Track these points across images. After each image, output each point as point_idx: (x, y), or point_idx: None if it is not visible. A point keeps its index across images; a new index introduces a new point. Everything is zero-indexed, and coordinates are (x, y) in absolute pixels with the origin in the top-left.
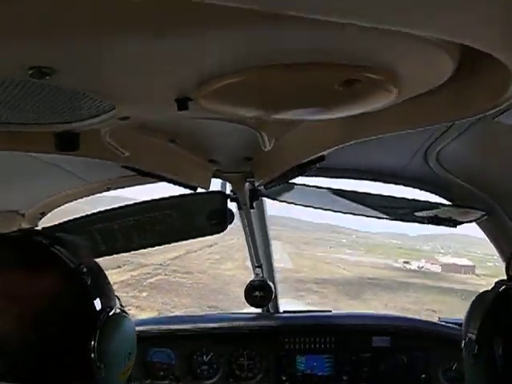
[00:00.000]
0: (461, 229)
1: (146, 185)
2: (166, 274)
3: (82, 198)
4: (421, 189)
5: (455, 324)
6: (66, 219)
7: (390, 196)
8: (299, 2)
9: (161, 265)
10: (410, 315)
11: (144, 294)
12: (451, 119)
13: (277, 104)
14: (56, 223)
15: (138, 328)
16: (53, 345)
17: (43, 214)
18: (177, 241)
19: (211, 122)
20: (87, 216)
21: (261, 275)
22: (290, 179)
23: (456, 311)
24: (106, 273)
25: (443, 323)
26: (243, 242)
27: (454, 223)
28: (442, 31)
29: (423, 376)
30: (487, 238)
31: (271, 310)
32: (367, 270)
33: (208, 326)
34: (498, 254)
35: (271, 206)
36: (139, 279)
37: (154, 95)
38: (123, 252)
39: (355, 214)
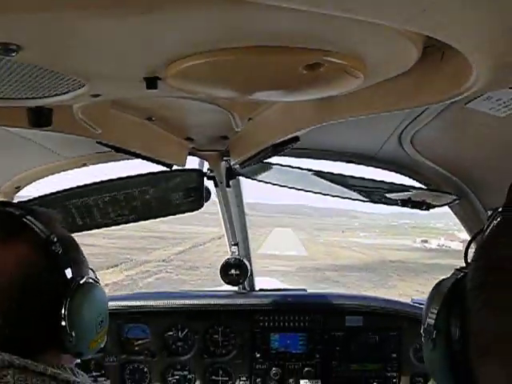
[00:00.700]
0: None
1: (122, 161)
2: (167, 271)
3: (58, 173)
4: (396, 172)
5: None
6: (41, 194)
7: (369, 179)
8: None
9: (164, 260)
10: None
11: None
12: (418, 104)
13: (244, 85)
14: (31, 197)
15: (113, 303)
16: (24, 313)
17: (18, 189)
18: (154, 217)
19: (188, 101)
20: (63, 190)
21: (237, 253)
22: (265, 159)
23: None
24: (97, 273)
25: (416, 304)
26: (256, 232)
27: (427, 206)
28: (404, 22)
29: (394, 355)
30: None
31: (247, 288)
32: (386, 252)
33: (183, 302)
34: None
35: (282, 197)
36: (135, 279)
37: (122, 73)
38: (99, 227)
39: (334, 196)
